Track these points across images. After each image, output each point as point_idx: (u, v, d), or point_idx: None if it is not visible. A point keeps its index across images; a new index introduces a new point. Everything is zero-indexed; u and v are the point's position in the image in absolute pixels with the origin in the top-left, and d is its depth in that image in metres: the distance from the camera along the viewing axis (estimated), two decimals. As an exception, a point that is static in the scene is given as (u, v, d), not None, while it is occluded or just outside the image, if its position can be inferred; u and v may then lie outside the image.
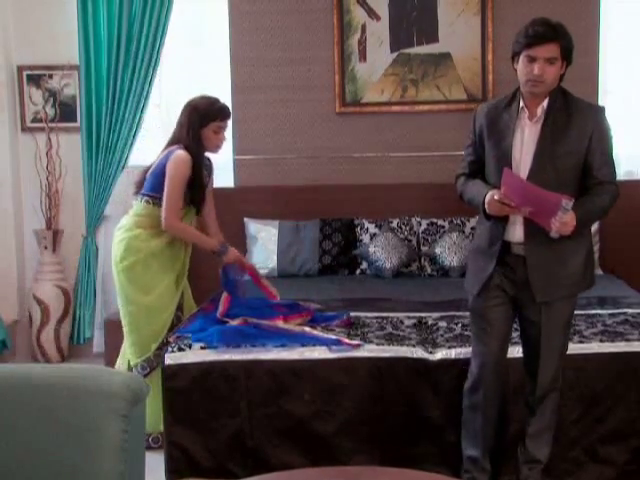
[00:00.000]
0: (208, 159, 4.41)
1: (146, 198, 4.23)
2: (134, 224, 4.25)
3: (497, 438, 3.48)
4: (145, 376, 4.19)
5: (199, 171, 4.21)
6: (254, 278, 4.41)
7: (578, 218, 3.08)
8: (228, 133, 5.74)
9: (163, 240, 4.23)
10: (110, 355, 5.29)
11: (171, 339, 3.92)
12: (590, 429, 3.61)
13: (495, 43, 5.73)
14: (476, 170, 3.43)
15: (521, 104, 3.25)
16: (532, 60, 3.16)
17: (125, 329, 4.30)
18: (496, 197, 3.14)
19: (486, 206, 3.20)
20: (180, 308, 4.36)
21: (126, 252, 4.22)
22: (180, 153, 4.15)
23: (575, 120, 3.21)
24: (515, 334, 3.72)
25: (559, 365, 3.33)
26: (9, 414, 2.30)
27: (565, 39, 3.19)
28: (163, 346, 4.09)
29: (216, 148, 4.30)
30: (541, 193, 3.07)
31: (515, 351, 3.53)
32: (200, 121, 4.17)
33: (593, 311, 4.24)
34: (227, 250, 4.27)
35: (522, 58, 3.21)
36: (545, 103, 3.22)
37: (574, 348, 3.58)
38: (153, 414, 3.91)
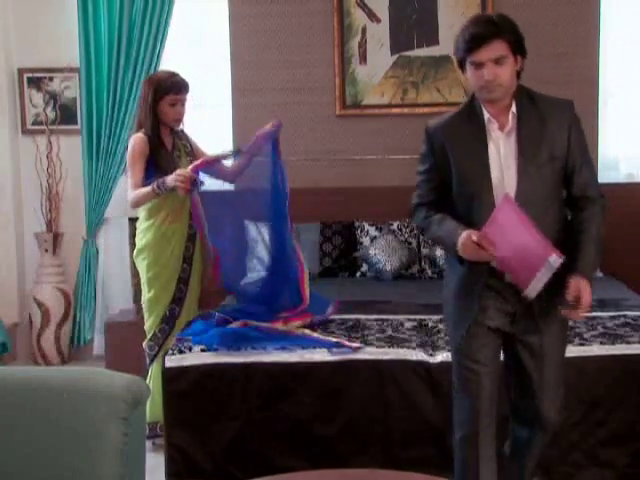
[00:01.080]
0: (181, 131, 4.38)
1: None
2: (142, 218, 4.32)
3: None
4: (154, 358, 4.29)
5: (158, 146, 4.19)
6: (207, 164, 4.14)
7: (588, 278, 2.75)
8: (229, 136, 5.81)
9: (157, 223, 4.27)
10: (110, 358, 5.30)
11: (174, 341, 3.92)
12: (590, 432, 3.60)
13: (495, 45, 5.73)
14: (439, 198, 2.98)
15: (486, 115, 2.85)
16: (479, 66, 2.77)
17: (145, 315, 4.37)
18: (474, 238, 2.70)
19: (459, 248, 2.76)
20: (181, 302, 4.34)
21: (137, 249, 4.33)
22: (133, 135, 4.22)
23: (550, 120, 2.83)
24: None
25: (563, 390, 3.02)
26: (9, 417, 2.29)
27: (510, 32, 2.78)
28: (166, 320, 4.24)
29: (175, 122, 4.26)
30: (533, 237, 2.68)
31: (516, 354, 3.54)
32: (154, 95, 4.15)
33: (593, 313, 4.22)
34: (164, 179, 4.06)
35: (468, 65, 2.81)
36: (514, 109, 2.84)
37: (574, 351, 3.57)
38: (161, 403, 3.91)
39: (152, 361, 4.31)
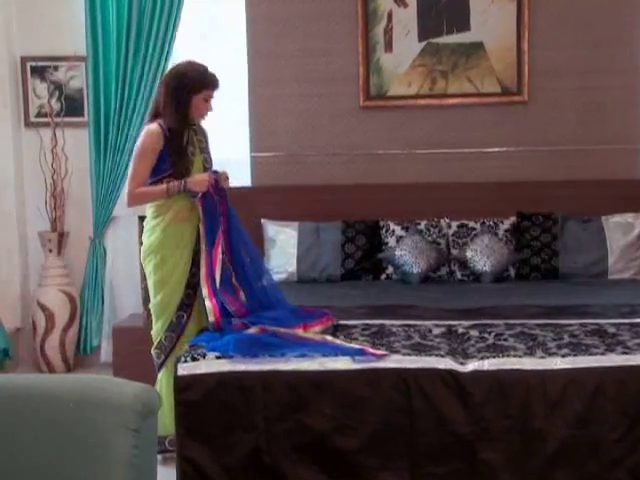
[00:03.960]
0: (198, 125, 4.39)
1: None
2: (150, 216, 4.32)
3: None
4: (160, 366, 4.29)
5: (179, 140, 4.21)
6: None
7: None
8: (245, 130, 5.84)
9: (166, 221, 4.26)
10: (119, 365, 5.32)
11: (186, 348, 3.93)
12: (635, 448, 3.56)
13: (532, 31, 5.72)
14: None
15: None
16: None
17: (153, 320, 4.38)
18: None
19: None
20: (190, 308, 4.35)
21: (144, 251, 4.33)
22: (148, 126, 4.23)
23: None
24: (552, 344, 3.71)
25: None
26: (11, 427, 2.30)
27: None
28: (172, 327, 4.24)
29: (202, 117, 4.31)
30: None
31: (553, 363, 3.52)
32: (191, 87, 4.17)
33: (638, 319, 4.20)
34: (187, 180, 4.15)
35: None
36: None
37: (617, 360, 3.56)
38: (170, 415, 3.92)
39: (159, 368, 4.32)
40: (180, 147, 4.22)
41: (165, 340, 4.29)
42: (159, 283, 4.27)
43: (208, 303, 4.05)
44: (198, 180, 4.14)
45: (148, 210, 4.32)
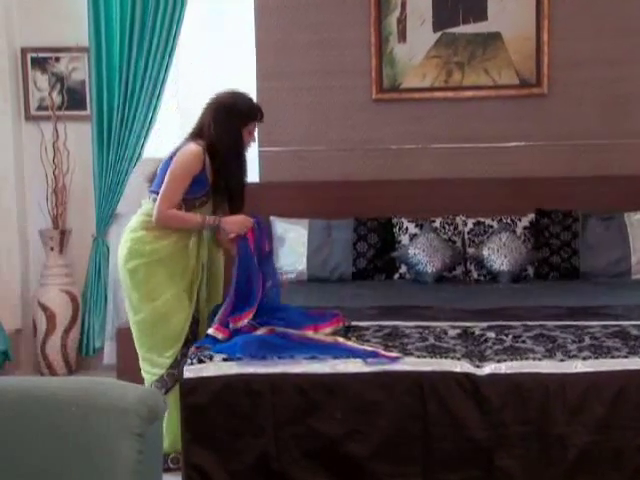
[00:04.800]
0: None
1: (154, 196, 4.26)
2: (139, 225, 4.30)
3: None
4: (167, 391, 4.23)
5: (232, 168, 4.27)
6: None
7: None
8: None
9: (170, 244, 4.24)
10: (122, 367, 5.33)
11: (192, 349, 3.93)
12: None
13: (552, 21, 5.71)
14: None
15: None
16: None
17: (135, 342, 4.33)
18: None
19: None
20: (197, 322, 4.37)
21: (129, 255, 4.27)
22: (191, 146, 4.22)
23: None
24: (573, 346, 3.70)
25: None
26: (11, 432, 2.31)
27: None
28: (177, 365, 4.12)
29: (246, 148, 4.40)
30: None
31: (573, 366, 3.52)
32: (242, 120, 4.26)
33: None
34: (220, 219, 4.23)
35: None
36: None
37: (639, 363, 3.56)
38: (172, 432, 3.93)
39: (167, 392, 4.25)
40: (232, 175, 4.28)
41: (167, 377, 4.24)
42: (149, 297, 4.24)
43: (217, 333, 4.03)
44: (236, 221, 4.18)
45: (137, 218, 4.34)
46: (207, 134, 4.23)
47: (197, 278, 4.35)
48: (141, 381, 4.34)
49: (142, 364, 4.33)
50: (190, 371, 3.70)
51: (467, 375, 3.61)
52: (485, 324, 4.22)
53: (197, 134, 4.28)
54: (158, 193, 4.22)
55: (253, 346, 3.79)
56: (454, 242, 5.57)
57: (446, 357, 3.71)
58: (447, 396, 3.60)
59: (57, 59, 5.98)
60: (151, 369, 4.28)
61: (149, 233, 4.25)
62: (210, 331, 3.99)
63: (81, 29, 5.83)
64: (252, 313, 4.02)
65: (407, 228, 5.61)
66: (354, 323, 4.24)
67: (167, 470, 4.20)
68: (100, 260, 6.00)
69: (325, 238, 5.64)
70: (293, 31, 5.86)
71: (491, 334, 4.05)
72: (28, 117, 6.06)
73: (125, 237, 4.34)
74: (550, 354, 3.67)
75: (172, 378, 4.18)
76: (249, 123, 4.29)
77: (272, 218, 5.76)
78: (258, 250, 4.21)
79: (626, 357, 3.61)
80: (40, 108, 6.03)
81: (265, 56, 5.88)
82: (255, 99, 5.83)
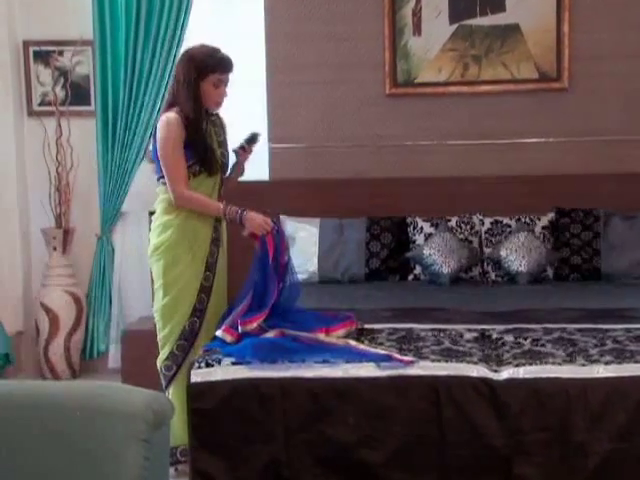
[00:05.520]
0: (217, 115, 4.40)
1: (162, 180, 4.29)
2: (162, 211, 4.31)
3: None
4: (171, 379, 4.27)
5: (198, 130, 4.20)
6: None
7: None
8: (263, 119, 5.82)
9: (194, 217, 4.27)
10: (128, 371, 5.34)
11: (200, 353, 3.94)
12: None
13: (573, 12, 5.69)
14: None
15: None
16: None
17: (159, 325, 4.36)
18: None
19: None
20: (203, 314, 4.35)
21: (159, 245, 4.30)
22: (165, 115, 4.20)
23: None
24: (594, 350, 3.69)
25: None
26: (13, 438, 2.31)
27: None
28: (185, 335, 4.23)
29: (216, 105, 4.29)
30: None
31: (595, 371, 3.51)
32: (198, 73, 4.16)
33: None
34: (247, 213, 4.19)
35: None
36: None
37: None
38: (181, 424, 3.92)
39: (169, 383, 4.29)
40: (201, 138, 4.21)
41: (177, 350, 4.27)
42: (168, 285, 4.27)
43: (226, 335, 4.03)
44: (257, 221, 4.14)
45: (159, 205, 4.32)
46: (179, 93, 4.20)
47: (207, 247, 4.33)
48: (147, 385, 4.34)
49: (160, 350, 4.36)
50: (198, 375, 3.70)
51: (484, 380, 3.60)
52: (503, 327, 4.22)
53: (170, 102, 4.27)
54: (163, 177, 4.24)
55: (263, 349, 3.80)
56: (471, 242, 5.56)
57: (462, 361, 3.71)
58: (463, 402, 3.59)
59: (60, 52, 5.99)
60: (163, 346, 4.32)
61: (162, 217, 4.29)
62: (218, 333, 3.99)
63: (85, 21, 5.84)
64: (263, 317, 4.01)
65: (422, 227, 5.60)
66: (367, 326, 4.24)
67: (176, 463, 4.23)
68: (105, 260, 6.01)
69: (337, 238, 5.64)
70: (304, 22, 5.86)
71: (509, 337, 4.05)
72: (30, 113, 6.07)
73: (152, 226, 4.37)
74: (571, 358, 3.66)
75: (182, 350, 4.24)
76: (208, 75, 4.16)
77: (282, 217, 5.73)
78: (276, 261, 4.18)
79: (650, 361, 3.61)
80: (43, 103, 6.04)
81: (275, 48, 5.88)
82: (265, 93, 5.88)
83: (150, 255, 4.34)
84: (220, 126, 4.40)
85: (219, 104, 4.30)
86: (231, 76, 4.27)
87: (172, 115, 4.18)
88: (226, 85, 4.26)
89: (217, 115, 4.39)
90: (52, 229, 5.98)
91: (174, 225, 4.24)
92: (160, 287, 4.30)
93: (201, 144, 4.20)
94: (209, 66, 4.16)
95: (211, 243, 4.30)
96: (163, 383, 4.31)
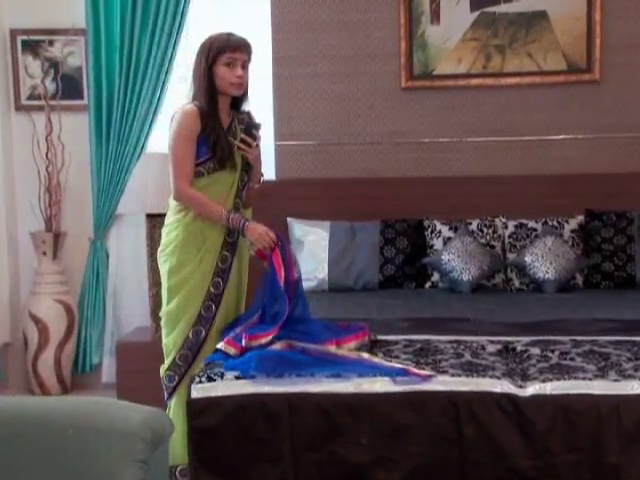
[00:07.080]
0: (247, 112, 4.43)
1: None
2: (172, 209, 4.34)
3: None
4: (173, 390, 4.28)
5: (212, 123, 4.23)
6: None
7: None
8: (269, 114, 5.82)
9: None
10: (123, 386, 5.35)
11: (201, 367, 3.94)
12: None
13: (605, -3, 5.69)
14: None
15: None
16: None
17: (163, 332, 4.38)
18: None
19: None
20: (209, 323, 4.36)
21: (166, 246, 4.33)
22: (183, 107, 4.26)
23: None
24: (628, 365, 3.68)
25: None
26: (1, 456, 2.31)
27: None
28: (188, 344, 4.24)
29: (233, 87, 4.28)
30: None
31: (629, 387, 3.50)
32: (208, 57, 4.21)
33: None
34: (249, 223, 4.23)
35: None
36: None
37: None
38: (181, 441, 3.93)
39: (171, 394, 4.31)
40: (216, 128, 4.24)
41: (180, 360, 4.28)
42: (173, 289, 4.29)
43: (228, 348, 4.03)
44: (257, 231, 4.17)
45: (172, 203, 4.34)
46: (197, 85, 4.26)
47: (217, 251, 4.34)
48: (144, 401, 4.35)
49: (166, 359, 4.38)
50: (198, 390, 3.70)
51: (508, 396, 3.60)
52: (528, 339, 4.22)
53: (192, 96, 4.31)
54: None
55: (269, 363, 3.79)
56: (493, 247, 5.56)
57: (484, 376, 3.71)
58: (486, 419, 3.59)
59: (51, 42, 6.01)
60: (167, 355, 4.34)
61: (173, 216, 4.32)
62: (220, 346, 3.99)
63: (77, 8, 5.86)
64: (270, 336, 4.01)
65: (440, 231, 5.61)
66: (381, 337, 4.24)
67: None
68: (98, 266, 6.02)
69: (348, 242, 5.64)
70: (313, 10, 5.87)
71: (535, 350, 4.04)
72: (18, 107, 6.09)
73: (164, 229, 4.39)
74: (602, 373, 3.65)
75: (185, 360, 4.25)
76: (219, 56, 4.21)
77: (289, 219, 5.76)
78: (286, 281, 4.18)
79: (689, 377, 3.60)
80: (32, 97, 6.06)
81: (283, 38, 5.89)
82: (271, 86, 5.88)
83: (158, 256, 4.38)
84: (251, 125, 4.40)
85: (237, 85, 4.28)
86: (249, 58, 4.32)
87: (189, 107, 4.23)
88: (244, 67, 4.29)
89: (248, 114, 4.42)
90: (42, 233, 6.00)
91: (182, 225, 4.26)
92: (165, 291, 4.33)
93: (213, 138, 4.22)
94: (218, 47, 4.22)
95: (223, 247, 4.31)
96: (165, 394, 4.34)
